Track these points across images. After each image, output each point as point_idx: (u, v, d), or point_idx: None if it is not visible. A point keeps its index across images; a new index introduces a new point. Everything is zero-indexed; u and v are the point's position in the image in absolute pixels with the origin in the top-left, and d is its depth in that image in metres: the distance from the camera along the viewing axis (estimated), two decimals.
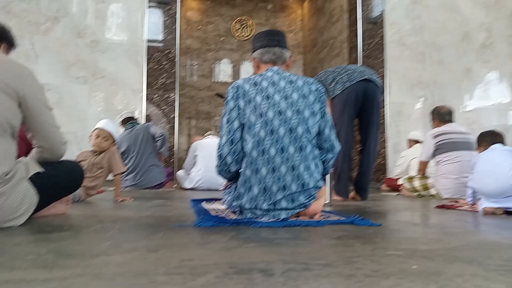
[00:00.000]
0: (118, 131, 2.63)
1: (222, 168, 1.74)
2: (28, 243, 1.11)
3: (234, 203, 1.71)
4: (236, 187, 1.72)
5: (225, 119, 1.70)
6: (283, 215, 1.61)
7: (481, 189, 2.21)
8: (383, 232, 1.44)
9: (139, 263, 0.89)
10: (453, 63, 5.98)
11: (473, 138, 3.49)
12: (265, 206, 1.59)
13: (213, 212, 1.84)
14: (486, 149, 2.36)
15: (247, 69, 8.03)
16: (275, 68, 1.76)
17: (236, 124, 1.66)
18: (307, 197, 1.64)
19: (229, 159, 1.69)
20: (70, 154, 2.78)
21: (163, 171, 4.20)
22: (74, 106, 4.85)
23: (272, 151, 1.60)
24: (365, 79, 3.01)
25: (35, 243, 1.12)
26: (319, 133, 1.74)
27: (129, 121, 4.25)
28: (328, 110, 1.82)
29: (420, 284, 0.77)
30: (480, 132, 2.56)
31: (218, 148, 1.72)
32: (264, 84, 1.68)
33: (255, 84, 1.69)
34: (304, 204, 1.64)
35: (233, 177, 1.78)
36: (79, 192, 2.38)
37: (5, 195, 1.33)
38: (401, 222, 1.81)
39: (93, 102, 4.98)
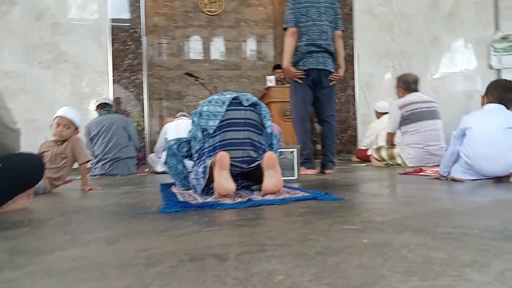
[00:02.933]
0: (79, 117, 2.56)
1: None
2: None
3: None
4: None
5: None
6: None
7: (475, 167, 2.11)
8: (344, 205, 1.48)
9: (94, 256, 0.89)
10: (421, 32, 6.05)
11: (437, 106, 3.59)
12: None
13: (180, 196, 1.84)
14: (491, 102, 2.23)
15: (217, 46, 7.89)
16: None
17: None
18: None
19: None
20: (37, 142, 2.73)
21: (135, 161, 4.14)
22: (39, 92, 4.70)
23: None
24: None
25: None
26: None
27: (104, 108, 4.13)
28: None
29: (366, 258, 0.80)
30: (494, 80, 2.36)
31: None
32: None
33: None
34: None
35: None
36: (44, 184, 2.34)
37: None
38: (363, 194, 1.87)
39: (59, 87, 4.82)
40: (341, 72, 3.25)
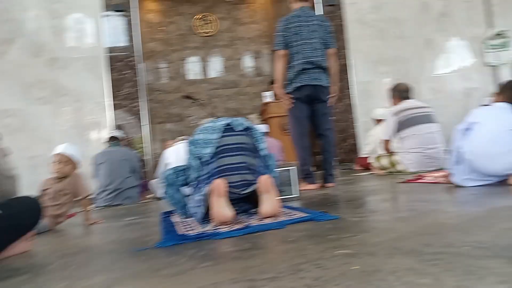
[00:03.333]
0: (79, 153, 2.59)
1: None
2: None
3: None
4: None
5: None
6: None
7: (475, 164, 2.09)
8: (340, 226, 1.48)
9: None
10: (414, 36, 6.08)
11: (432, 110, 3.60)
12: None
13: (179, 226, 1.85)
14: (503, 101, 2.21)
15: (214, 65, 7.98)
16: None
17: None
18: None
19: None
20: (38, 178, 2.76)
21: (137, 190, 4.19)
22: (37, 128, 4.76)
23: None
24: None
25: None
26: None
27: (113, 140, 4.24)
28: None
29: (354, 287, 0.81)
30: (507, 80, 2.33)
31: None
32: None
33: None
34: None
35: None
36: (46, 222, 2.36)
37: None
38: (361, 210, 1.87)
39: (58, 121, 4.89)
40: (335, 89, 3.28)
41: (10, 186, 1.63)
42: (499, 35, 6.19)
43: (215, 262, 1.17)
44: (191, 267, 1.13)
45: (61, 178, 2.54)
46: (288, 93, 3.22)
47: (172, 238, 1.52)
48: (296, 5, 3.28)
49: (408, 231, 1.28)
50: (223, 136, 2.04)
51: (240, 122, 2.09)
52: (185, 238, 1.52)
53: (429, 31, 6.12)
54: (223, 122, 2.07)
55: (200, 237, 1.52)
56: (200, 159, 2.03)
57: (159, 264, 1.22)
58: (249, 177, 2.00)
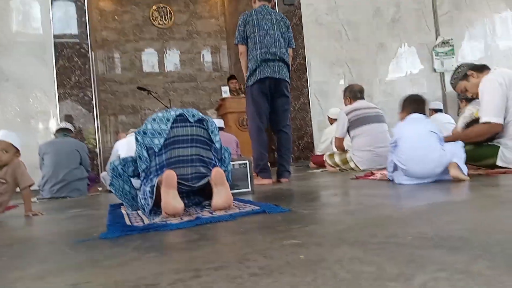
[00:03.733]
0: (19, 140, 2.43)
1: None
2: None
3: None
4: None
5: None
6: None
7: (409, 170, 2.21)
8: (291, 218, 1.49)
9: None
10: (368, 39, 6.29)
11: (382, 111, 3.74)
12: None
13: (127, 218, 1.78)
14: (408, 115, 2.39)
15: (171, 58, 7.81)
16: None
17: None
18: None
19: None
20: None
21: (85, 182, 4.01)
22: None
23: None
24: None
25: None
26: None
27: (61, 131, 4.00)
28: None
29: (298, 277, 0.80)
30: (405, 97, 2.56)
31: None
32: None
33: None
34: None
35: None
36: None
37: None
38: (311, 204, 1.89)
39: (1, 108, 4.57)
40: None
41: None
42: (445, 43, 6.55)
43: (160, 253, 1.13)
44: (135, 258, 1.08)
45: (1, 166, 2.37)
46: (249, 86, 3.20)
47: (118, 229, 1.45)
48: (257, 4, 3.29)
49: (355, 223, 1.31)
50: (174, 127, 1.98)
51: (193, 112, 2.04)
52: (131, 229, 1.46)
53: (381, 36, 6.36)
54: (175, 112, 2.02)
55: (147, 229, 1.47)
56: (150, 149, 1.96)
57: (100, 255, 1.16)
58: (203, 169, 1.96)
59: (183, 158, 1.95)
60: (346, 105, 3.83)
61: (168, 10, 7.76)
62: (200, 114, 2.06)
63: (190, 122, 2.01)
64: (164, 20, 7.73)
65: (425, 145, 2.19)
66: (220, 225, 1.49)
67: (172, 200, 1.68)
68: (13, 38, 4.67)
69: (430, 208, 1.50)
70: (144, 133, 1.97)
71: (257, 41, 3.15)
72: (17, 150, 2.42)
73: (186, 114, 2.01)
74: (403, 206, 1.60)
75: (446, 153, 2.15)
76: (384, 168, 3.31)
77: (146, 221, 1.65)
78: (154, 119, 1.99)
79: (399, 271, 0.78)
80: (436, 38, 6.55)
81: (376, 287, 0.70)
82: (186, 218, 1.61)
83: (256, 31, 3.15)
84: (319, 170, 4.26)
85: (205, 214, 1.71)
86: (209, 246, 1.17)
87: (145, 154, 1.96)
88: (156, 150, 1.93)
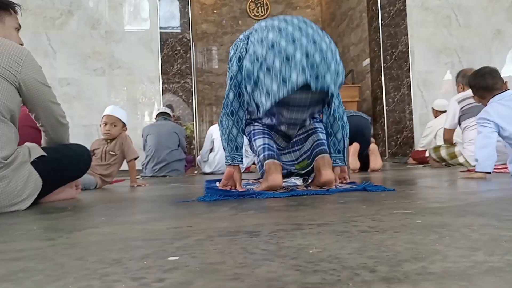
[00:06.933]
0: (125, 115, 2.61)
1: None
2: (24, 222, 1.10)
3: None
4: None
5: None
6: None
7: None
8: (396, 195, 1.35)
9: (123, 232, 0.86)
10: (482, 26, 5.62)
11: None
12: None
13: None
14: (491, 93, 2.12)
15: None
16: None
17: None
18: None
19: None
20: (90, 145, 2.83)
21: (183, 163, 4.23)
22: (93, 98, 4.92)
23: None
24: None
25: (31, 222, 1.11)
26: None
27: (162, 115, 4.31)
28: None
29: (419, 235, 0.69)
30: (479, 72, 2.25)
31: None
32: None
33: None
34: None
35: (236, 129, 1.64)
36: (95, 179, 2.40)
37: (7, 178, 1.33)
38: (418, 186, 1.71)
39: (112, 93, 5.03)
40: None
41: (62, 132, 1.65)
42: None
43: (258, 212, 1.09)
44: (233, 214, 1.06)
45: (110, 140, 2.58)
46: None
47: (215, 193, 1.46)
48: None
49: (477, 200, 1.13)
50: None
51: (319, 71, 1.38)
52: (227, 194, 1.45)
53: (499, 21, 5.64)
54: (298, 77, 1.36)
55: (243, 195, 1.45)
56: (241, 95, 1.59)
57: (199, 210, 1.16)
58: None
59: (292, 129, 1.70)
60: (458, 92, 3.43)
61: (264, 2, 7.85)
62: (330, 68, 1.40)
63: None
64: (260, 12, 7.83)
65: None
66: (317, 197, 1.40)
67: (274, 173, 1.57)
68: (124, 28, 5.11)
69: None
70: (256, 84, 1.44)
71: None
72: (124, 125, 2.61)
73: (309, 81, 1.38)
74: None
75: None
76: (500, 165, 2.91)
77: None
78: (268, 45, 1.40)
79: None
80: None
81: None
82: (281, 190, 1.56)
83: None
84: (420, 166, 3.92)
85: (300, 188, 1.64)
86: (309, 210, 1.10)
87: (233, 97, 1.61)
88: (261, 113, 1.52)
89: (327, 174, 1.57)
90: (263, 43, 1.41)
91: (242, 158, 1.66)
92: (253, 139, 1.71)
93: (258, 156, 1.65)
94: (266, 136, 1.69)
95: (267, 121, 1.72)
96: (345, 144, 1.83)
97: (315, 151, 1.66)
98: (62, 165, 1.59)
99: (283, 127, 1.69)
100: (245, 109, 1.64)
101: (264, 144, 1.65)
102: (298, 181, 1.90)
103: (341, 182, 1.83)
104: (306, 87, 1.37)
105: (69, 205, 1.48)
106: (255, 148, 1.69)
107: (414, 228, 0.76)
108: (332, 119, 1.78)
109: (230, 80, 1.59)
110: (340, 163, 1.81)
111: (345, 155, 1.83)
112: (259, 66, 1.40)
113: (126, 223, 0.98)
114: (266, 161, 1.57)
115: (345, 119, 1.81)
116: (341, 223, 0.84)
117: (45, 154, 1.49)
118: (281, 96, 1.37)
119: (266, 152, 1.61)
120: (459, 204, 1.06)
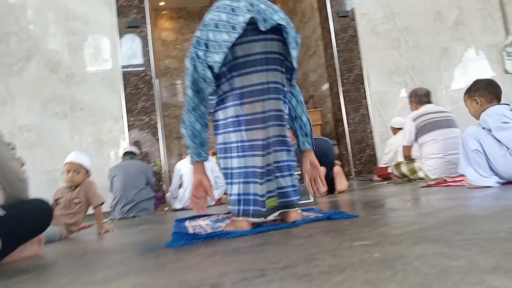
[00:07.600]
0: (88, 161, 2.57)
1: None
2: None
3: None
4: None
5: None
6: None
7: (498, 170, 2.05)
8: (359, 223, 1.39)
9: None
10: (429, 45, 5.98)
11: (453, 115, 3.47)
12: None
13: (191, 229, 1.78)
14: (491, 103, 2.27)
15: None
16: None
17: None
18: None
19: None
20: (53, 192, 2.74)
21: (153, 202, 4.18)
22: (55, 142, 4.80)
23: None
24: None
25: None
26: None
27: (128, 155, 4.26)
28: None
29: (374, 273, 0.72)
30: (478, 80, 2.49)
31: None
32: None
33: None
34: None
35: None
36: (60, 230, 2.33)
37: None
38: (381, 209, 1.77)
39: (75, 135, 4.92)
40: None
41: (21, 189, 1.60)
42: None
43: (224, 256, 1.09)
44: (199, 262, 1.06)
45: (74, 187, 2.52)
46: None
47: (182, 238, 1.44)
48: None
49: (434, 223, 1.18)
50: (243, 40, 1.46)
51: (266, 14, 1.47)
52: (195, 238, 1.44)
53: (444, 40, 6.02)
54: (244, 16, 1.43)
55: (210, 237, 1.45)
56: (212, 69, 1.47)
57: (166, 260, 1.15)
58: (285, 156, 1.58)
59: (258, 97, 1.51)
60: (412, 110, 3.60)
61: None
62: (278, 15, 1.50)
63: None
64: None
65: None
66: (283, 231, 1.43)
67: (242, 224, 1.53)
68: (85, 70, 5.07)
69: None
70: (206, 46, 1.46)
71: None
72: (87, 171, 2.56)
73: (257, 18, 1.45)
74: (490, 206, 1.43)
75: None
76: (458, 176, 3.05)
77: (208, 231, 1.62)
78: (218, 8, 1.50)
79: (496, 264, 0.67)
80: (506, 37, 6.07)
81: (471, 280, 0.60)
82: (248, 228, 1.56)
83: None
84: (384, 183, 4.04)
85: (268, 222, 1.65)
86: (274, 249, 1.11)
87: (209, 74, 1.49)
88: (216, 69, 1.45)
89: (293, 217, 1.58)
90: (210, 14, 1.52)
91: (207, 154, 1.60)
92: (229, 155, 1.53)
93: (231, 190, 1.53)
94: (247, 154, 1.49)
95: (233, 109, 1.52)
96: (311, 127, 1.76)
97: (285, 200, 1.58)
98: (22, 222, 1.54)
99: (253, 107, 1.50)
100: (206, 104, 1.56)
101: (239, 181, 1.50)
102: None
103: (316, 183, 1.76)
104: (256, 32, 1.46)
105: (31, 264, 1.43)
106: (229, 170, 1.53)
107: (371, 264, 0.79)
108: (295, 102, 1.75)
109: (188, 79, 1.55)
110: (308, 147, 1.74)
111: (312, 140, 1.76)
112: (207, 28, 1.48)
113: (88, 284, 0.96)
114: (238, 219, 1.51)
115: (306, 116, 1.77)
116: (304, 263, 0.86)
117: (2, 214, 1.44)
118: (232, 40, 1.41)
119: (241, 207, 1.50)
120: (416, 229, 1.11)
